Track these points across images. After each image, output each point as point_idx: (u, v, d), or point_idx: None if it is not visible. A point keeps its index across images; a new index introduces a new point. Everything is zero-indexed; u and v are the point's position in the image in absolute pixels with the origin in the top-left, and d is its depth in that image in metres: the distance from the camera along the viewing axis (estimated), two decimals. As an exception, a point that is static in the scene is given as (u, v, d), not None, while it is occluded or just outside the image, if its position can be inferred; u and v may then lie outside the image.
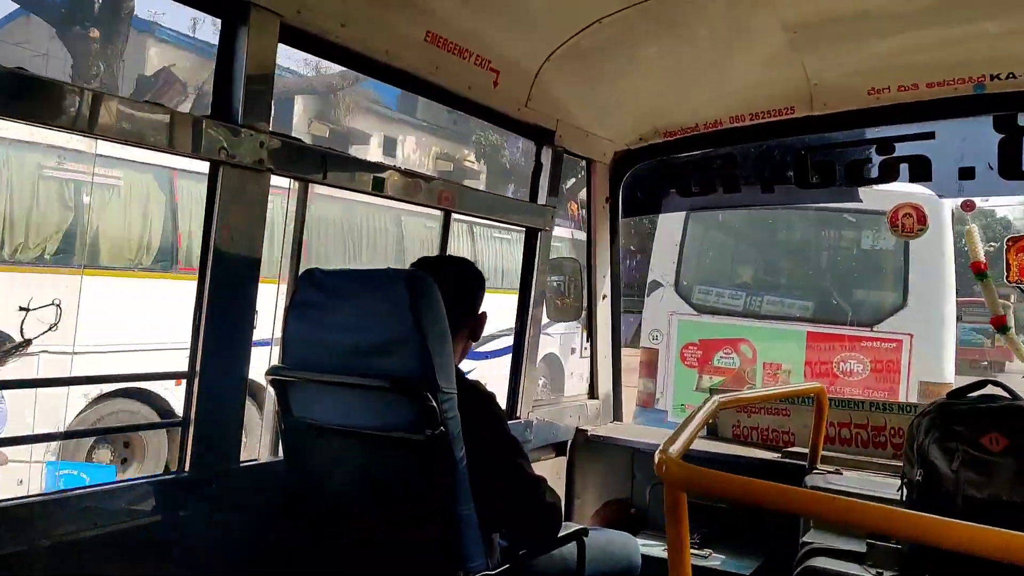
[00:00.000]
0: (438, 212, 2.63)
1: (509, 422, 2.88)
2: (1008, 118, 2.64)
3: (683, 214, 7.09)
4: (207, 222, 1.86)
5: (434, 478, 1.80)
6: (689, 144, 3.23)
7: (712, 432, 3.34)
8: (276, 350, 2.07)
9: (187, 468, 1.87)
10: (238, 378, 1.95)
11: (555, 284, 3.33)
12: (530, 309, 2.96)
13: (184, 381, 1.88)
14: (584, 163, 3.26)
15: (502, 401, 3.00)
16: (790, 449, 3.01)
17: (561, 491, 3.31)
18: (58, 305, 5.03)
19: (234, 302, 1.91)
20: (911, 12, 2.42)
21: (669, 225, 7.25)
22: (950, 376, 6.28)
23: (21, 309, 4.90)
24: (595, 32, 2.51)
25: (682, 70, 2.88)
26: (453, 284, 1.88)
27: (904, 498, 2.23)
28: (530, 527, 2.03)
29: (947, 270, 6.23)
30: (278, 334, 2.03)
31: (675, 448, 1.48)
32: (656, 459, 1.41)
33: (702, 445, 3.14)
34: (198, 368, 1.86)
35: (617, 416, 3.58)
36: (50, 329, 4.99)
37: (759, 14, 2.46)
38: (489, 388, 2.05)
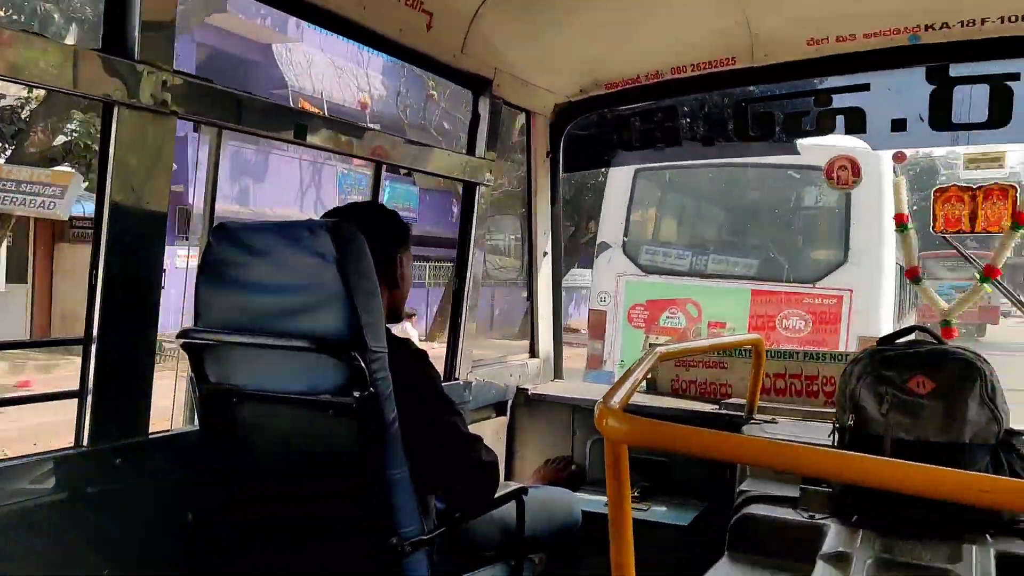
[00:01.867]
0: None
1: (447, 383, 2.84)
2: (940, 69, 2.65)
3: (630, 176, 7.08)
4: (101, 171, 1.71)
5: (364, 442, 1.74)
6: (631, 96, 3.18)
7: (652, 387, 3.36)
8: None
9: (85, 442, 1.73)
10: (145, 343, 1.83)
11: (495, 242, 3.28)
12: (468, 267, 2.90)
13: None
14: (523, 115, 3.19)
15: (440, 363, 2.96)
16: (728, 401, 3.04)
17: (502, 451, 3.29)
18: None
19: (136, 260, 1.78)
20: None
21: (617, 186, 7.24)
22: (888, 330, 6.67)
23: None
24: None
25: (623, 20, 2.81)
26: (373, 233, 1.79)
27: (836, 443, 2.26)
28: (467, 488, 1.99)
29: (885, 226, 6.35)
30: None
31: (615, 401, 1.45)
32: (596, 412, 1.37)
33: (642, 400, 3.15)
34: (95, 333, 1.72)
35: (558, 374, 3.56)
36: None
37: None
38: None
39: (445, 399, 1.95)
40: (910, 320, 9.06)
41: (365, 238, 1.71)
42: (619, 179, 7.29)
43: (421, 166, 2.75)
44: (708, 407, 3.03)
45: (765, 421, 2.77)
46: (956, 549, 1.89)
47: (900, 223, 3.37)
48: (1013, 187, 2.78)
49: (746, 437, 1.20)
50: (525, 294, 3.52)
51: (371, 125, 2.43)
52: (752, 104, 2.96)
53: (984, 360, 2.17)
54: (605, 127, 3.35)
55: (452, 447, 1.93)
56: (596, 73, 3.11)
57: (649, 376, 3.39)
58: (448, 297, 2.82)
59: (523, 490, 2.13)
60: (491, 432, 3.27)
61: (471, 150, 2.85)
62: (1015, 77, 2.60)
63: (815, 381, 3.04)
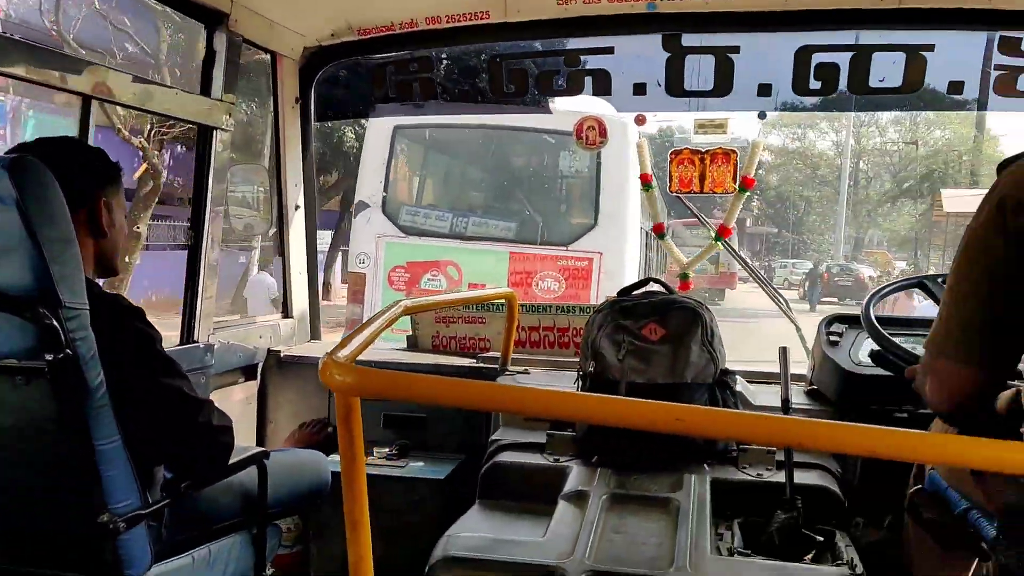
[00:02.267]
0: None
1: (184, 346, 2.60)
2: (674, 37, 2.83)
3: (389, 132, 6.94)
4: None
5: (64, 411, 1.52)
6: (385, 44, 3.06)
7: (413, 345, 3.33)
8: None
9: None
10: None
11: (240, 195, 3.04)
12: (205, 220, 2.65)
13: None
14: (268, 57, 2.96)
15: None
16: (485, 355, 3.09)
17: (253, 417, 3.11)
18: None
19: None
20: None
21: (375, 143, 7.07)
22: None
23: None
24: None
25: (374, -39, 2.70)
26: (68, 172, 1.54)
27: (579, 389, 2.38)
28: (195, 455, 1.82)
29: (630, 191, 6.79)
30: None
31: (343, 353, 1.37)
32: (320, 365, 1.28)
33: (401, 357, 3.12)
34: None
35: (315, 335, 3.41)
36: None
37: None
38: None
39: (164, 360, 1.75)
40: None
41: (56, 178, 1.47)
42: (377, 135, 7.10)
43: (148, 106, 2.45)
44: (466, 361, 3.06)
45: (518, 372, 2.85)
46: (678, 479, 2.06)
47: (645, 182, 3.58)
48: (734, 151, 3.06)
49: (475, 383, 1.18)
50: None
51: (85, 56, 2.09)
52: (506, 60, 2.98)
53: (706, 308, 2.38)
54: (360, 74, 3.20)
55: (175, 412, 1.75)
56: (349, 17, 2.95)
57: (409, 333, 3.36)
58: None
59: (264, 454, 2.00)
60: (241, 398, 3.07)
61: (206, 90, 2.59)
62: (735, 50, 2.84)
63: (567, 333, 3.18)
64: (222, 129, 2.62)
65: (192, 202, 2.69)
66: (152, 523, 1.73)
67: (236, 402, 3.03)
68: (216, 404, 1.90)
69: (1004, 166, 1.41)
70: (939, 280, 2.18)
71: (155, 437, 1.74)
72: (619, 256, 6.88)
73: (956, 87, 2.87)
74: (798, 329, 3.15)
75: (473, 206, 7.46)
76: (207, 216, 2.64)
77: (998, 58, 2.77)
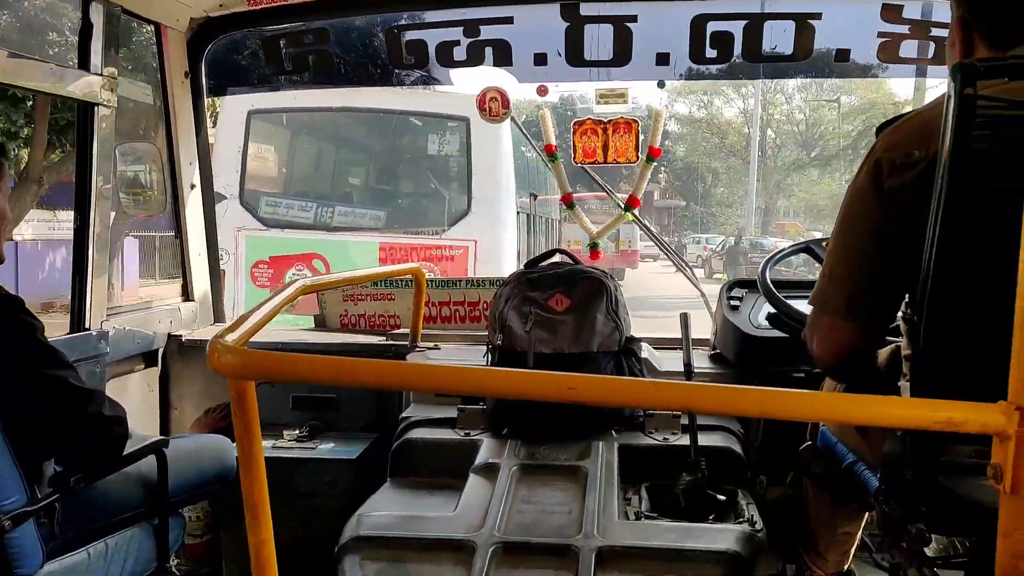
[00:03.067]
0: None
1: (76, 335, 2.48)
2: (573, 7, 2.82)
3: (244, 117, 6.48)
4: None
5: None
6: (277, 15, 2.95)
7: (321, 324, 3.27)
8: None
9: None
10: None
11: (130, 174, 2.89)
12: (92, 200, 2.52)
13: None
14: (152, 28, 2.81)
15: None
16: (395, 332, 3.06)
17: (155, 405, 3.00)
18: None
19: None
20: None
21: (229, 128, 6.59)
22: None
23: None
24: None
25: (260, -74, 2.58)
26: None
27: (489, 362, 2.38)
28: (84, 448, 1.75)
29: (503, 173, 6.53)
30: None
31: (232, 336, 1.33)
32: (208, 348, 1.24)
33: (307, 337, 3.06)
34: None
35: (219, 318, 3.31)
36: None
37: None
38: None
39: (47, 349, 1.68)
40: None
41: None
42: (231, 119, 6.61)
43: (19, 82, 2.29)
44: (375, 339, 3.02)
45: (428, 348, 2.83)
46: (586, 447, 2.10)
47: (550, 153, 3.58)
48: (636, 121, 3.09)
49: (365, 361, 1.16)
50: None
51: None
52: (404, 32, 2.91)
53: (610, 276, 2.42)
54: (253, 46, 3.08)
55: (60, 404, 1.69)
56: (237, -14, 2.83)
57: (318, 312, 3.30)
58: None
59: (163, 442, 1.94)
60: (141, 385, 2.96)
61: (84, 64, 2.44)
62: (633, 19, 2.86)
63: (477, 307, 3.18)
64: (103, 105, 2.48)
65: (76, 182, 2.55)
66: (42, 520, 1.68)
67: (136, 390, 2.92)
68: (115, 393, 1.83)
69: (882, 128, 1.47)
70: (823, 244, 2.27)
71: (40, 431, 1.68)
72: (496, 242, 6.63)
73: (843, 55, 2.98)
74: (703, 295, 3.23)
75: (339, 195, 7.05)
76: (92, 196, 2.51)
77: (881, 26, 2.89)
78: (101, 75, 2.45)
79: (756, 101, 33.69)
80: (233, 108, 6.74)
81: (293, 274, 6.27)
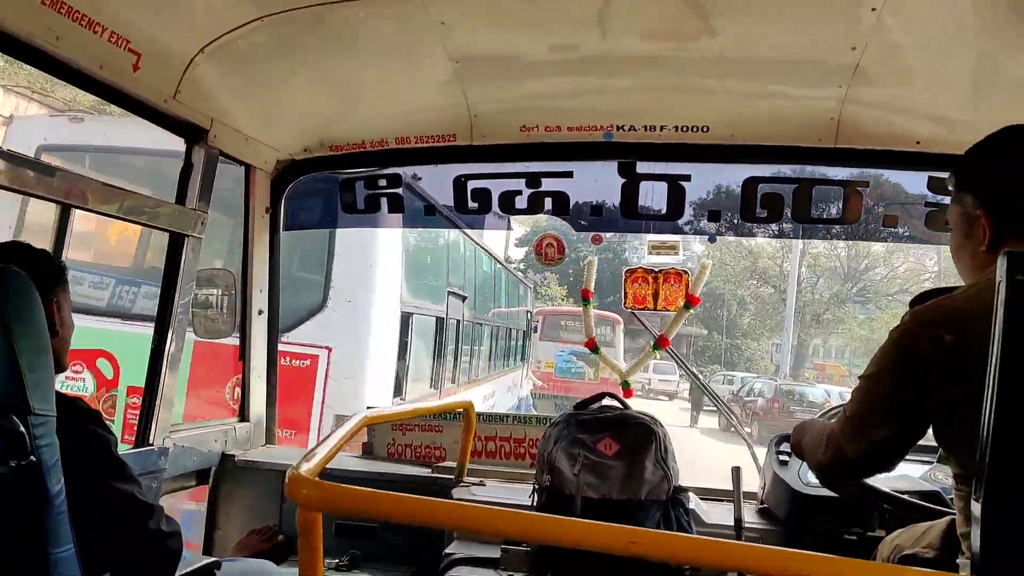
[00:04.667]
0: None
1: (139, 450, 2.58)
2: (629, 164, 3.02)
3: (33, 150, 4.96)
4: None
5: (21, 518, 1.51)
6: (355, 161, 3.21)
7: (368, 452, 3.32)
8: None
9: None
10: None
11: (205, 297, 3.08)
12: (172, 323, 2.68)
13: None
14: (243, 169, 3.07)
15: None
16: (440, 464, 3.10)
17: (202, 523, 3.04)
18: None
19: None
20: (558, 61, 2.67)
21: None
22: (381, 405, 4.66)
23: None
24: (256, 30, 2.38)
25: (349, 84, 2.85)
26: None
27: (535, 503, 2.40)
28: (143, 562, 1.80)
29: (384, 259, 4.71)
30: None
31: (308, 466, 1.41)
32: (287, 478, 1.32)
33: (356, 465, 3.11)
34: None
35: (270, 439, 3.39)
36: None
37: (425, 39, 2.53)
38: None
39: (118, 464, 1.77)
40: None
41: None
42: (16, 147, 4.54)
43: (124, 214, 2.52)
44: (421, 471, 3.06)
45: (474, 484, 2.86)
46: None
47: (585, 297, 3.73)
48: (686, 272, 3.23)
49: (436, 501, 1.23)
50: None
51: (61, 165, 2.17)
52: (470, 180, 3.13)
53: (659, 423, 2.45)
54: (330, 187, 3.32)
55: (125, 518, 1.76)
56: (321, 134, 3.10)
57: (365, 440, 3.36)
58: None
59: (216, 564, 1.99)
60: (192, 503, 3.01)
61: (181, 199, 2.67)
62: (687, 178, 3.04)
63: (522, 444, 3.21)
64: (193, 236, 2.69)
65: (159, 305, 2.72)
66: None
67: (187, 507, 2.98)
68: (166, 508, 1.90)
69: (915, 302, 1.58)
70: None
71: (105, 543, 1.73)
72: (358, 352, 4.87)
73: (891, 220, 3.09)
74: (750, 446, 3.21)
75: (146, 269, 5.09)
76: (173, 320, 2.67)
77: (928, 196, 3.01)
78: (195, 210, 2.67)
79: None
80: (19, 137, 5.38)
81: (63, 380, 4.30)
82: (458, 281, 8.32)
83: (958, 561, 1.46)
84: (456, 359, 8.35)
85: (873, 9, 2.17)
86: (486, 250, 11.44)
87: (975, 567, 1.34)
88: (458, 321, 8.28)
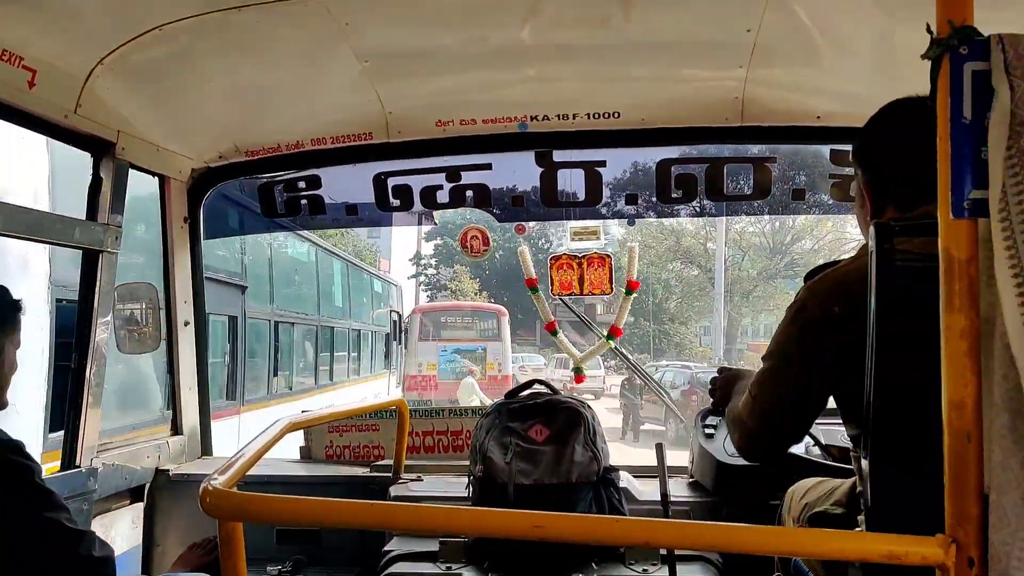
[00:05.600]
0: None
1: (66, 472, 2.53)
2: (545, 153, 3.07)
3: None
4: None
5: None
6: (272, 164, 3.18)
7: (306, 455, 3.31)
8: None
9: None
10: None
11: (127, 312, 3.02)
12: (92, 341, 2.63)
13: None
14: (156, 179, 3.01)
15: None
16: (378, 463, 3.11)
17: (138, 541, 3.00)
18: None
19: None
20: (470, 54, 2.68)
21: None
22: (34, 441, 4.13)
23: None
24: (157, 39, 2.33)
25: (258, 89, 2.82)
26: None
27: (471, 494, 2.44)
28: None
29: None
30: None
31: (223, 478, 1.42)
32: (200, 490, 1.33)
33: (292, 470, 3.10)
34: None
35: (207, 451, 3.35)
36: None
37: (331, 41, 2.52)
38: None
39: (43, 492, 1.74)
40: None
41: None
42: None
43: (35, 234, 2.46)
44: (359, 470, 3.07)
45: (411, 480, 2.89)
46: None
47: (531, 286, 3.78)
48: (609, 256, 3.31)
49: (358, 503, 1.25)
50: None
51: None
52: (390, 177, 3.14)
53: (587, 406, 2.51)
54: (248, 193, 3.29)
55: (55, 548, 1.73)
56: (235, 140, 3.06)
57: (303, 445, 3.35)
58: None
59: None
60: (127, 520, 2.97)
61: (91, 215, 2.61)
62: (603, 164, 3.10)
63: (459, 436, 3.24)
64: (108, 252, 2.64)
65: (77, 323, 2.66)
66: None
67: (123, 526, 2.93)
68: (101, 531, 1.88)
69: (809, 276, 1.65)
70: None
71: (32, 572, 1.71)
72: None
73: (799, 193, 3.21)
74: (682, 421, 3.31)
75: None
76: (93, 337, 2.62)
77: (832, 168, 3.13)
78: (108, 224, 2.62)
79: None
80: None
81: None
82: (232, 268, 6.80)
83: (858, 518, 1.55)
84: (235, 369, 6.76)
85: None
86: (312, 241, 10.46)
87: (868, 522, 1.43)
88: (233, 318, 6.66)
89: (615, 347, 3.79)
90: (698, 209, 3.43)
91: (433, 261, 38.84)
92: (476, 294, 31.36)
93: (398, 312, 18.13)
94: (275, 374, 8.64)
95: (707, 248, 30.31)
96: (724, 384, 2.08)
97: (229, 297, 6.90)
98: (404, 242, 39.52)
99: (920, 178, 1.54)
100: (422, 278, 38.66)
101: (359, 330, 14.14)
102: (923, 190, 1.54)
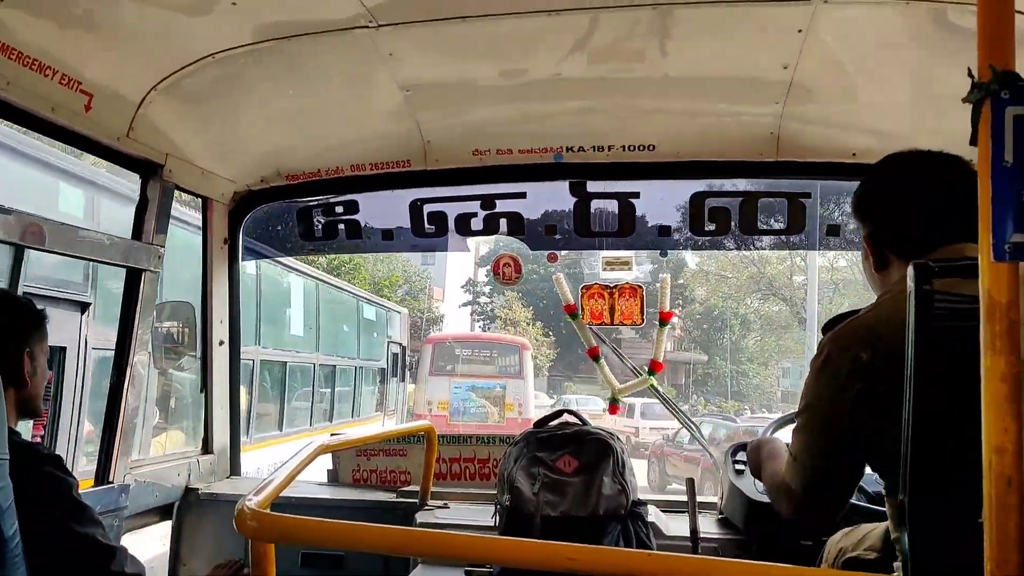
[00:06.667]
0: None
1: (99, 488, 2.57)
2: (580, 184, 3.10)
3: None
4: None
5: None
6: (312, 189, 3.25)
7: (333, 479, 3.33)
8: None
9: None
10: None
11: (165, 330, 3.08)
12: (130, 358, 2.68)
13: None
14: (200, 201, 3.09)
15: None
16: (405, 488, 3.12)
17: (166, 559, 3.02)
18: None
19: None
20: (508, 87, 2.74)
21: None
22: None
23: None
24: (208, 67, 2.42)
25: (302, 115, 2.89)
26: None
27: (497, 523, 2.43)
28: None
29: None
30: None
31: (258, 499, 1.44)
32: (236, 511, 1.35)
33: (320, 493, 3.12)
34: None
35: (235, 471, 3.38)
36: None
37: (375, 71, 2.58)
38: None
39: (79, 507, 1.78)
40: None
41: None
42: None
43: (80, 252, 2.52)
44: (386, 496, 3.08)
45: (437, 507, 2.89)
46: None
47: (571, 312, 3.77)
48: (640, 287, 3.30)
49: (387, 528, 1.26)
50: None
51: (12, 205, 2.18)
52: (426, 204, 3.19)
53: (616, 437, 2.50)
54: (287, 216, 3.35)
55: (87, 562, 1.76)
56: (277, 164, 3.13)
57: (330, 468, 3.37)
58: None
59: None
60: (156, 538, 3.00)
61: (137, 235, 2.69)
62: (636, 195, 3.12)
63: (487, 464, 3.24)
64: (150, 271, 2.70)
65: (117, 341, 2.72)
66: None
67: (151, 543, 2.96)
68: (129, 547, 1.90)
69: (828, 327, 1.65)
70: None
71: None
72: None
73: (833, 229, 3.20)
74: (713, 458, 3.27)
75: None
76: (131, 355, 2.68)
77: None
78: (152, 244, 2.69)
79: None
80: None
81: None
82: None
83: (894, 564, 1.53)
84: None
85: (800, 31, 2.27)
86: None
87: (905, 568, 1.40)
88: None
89: (655, 388, 3.73)
90: (787, 242, 3.37)
91: (487, 289, 36.97)
92: (529, 324, 30.10)
93: (400, 344, 16.63)
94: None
95: (792, 279, 27.65)
96: (752, 453, 2.08)
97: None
98: (459, 269, 37.50)
99: (921, 229, 1.57)
100: (475, 306, 37.21)
101: (333, 366, 12.28)
102: (925, 240, 1.57)
